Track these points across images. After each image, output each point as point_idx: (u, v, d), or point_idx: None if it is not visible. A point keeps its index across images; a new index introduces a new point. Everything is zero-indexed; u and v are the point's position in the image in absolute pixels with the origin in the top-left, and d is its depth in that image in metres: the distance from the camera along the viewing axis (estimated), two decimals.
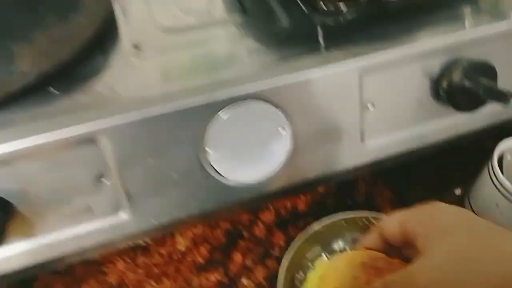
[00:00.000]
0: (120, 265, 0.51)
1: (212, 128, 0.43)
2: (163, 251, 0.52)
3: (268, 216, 0.55)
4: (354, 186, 0.58)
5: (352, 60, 0.45)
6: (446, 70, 0.48)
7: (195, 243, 0.53)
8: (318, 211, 0.53)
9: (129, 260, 0.51)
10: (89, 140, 0.39)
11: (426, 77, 0.49)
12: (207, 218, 0.50)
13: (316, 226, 0.50)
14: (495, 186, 0.50)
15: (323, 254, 0.50)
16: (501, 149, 0.52)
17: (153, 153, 0.42)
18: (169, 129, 0.41)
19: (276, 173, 0.47)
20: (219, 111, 0.42)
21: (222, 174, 0.45)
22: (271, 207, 0.56)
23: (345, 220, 0.50)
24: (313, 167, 0.49)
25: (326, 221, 0.50)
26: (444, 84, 0.48)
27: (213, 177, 0.45)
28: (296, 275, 0.48)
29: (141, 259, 0.52)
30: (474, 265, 0.30)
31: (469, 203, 0.55)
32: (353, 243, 0.50)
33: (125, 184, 0.42)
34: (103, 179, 0.42)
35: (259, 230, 0.54)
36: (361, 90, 0.46)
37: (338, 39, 0.46)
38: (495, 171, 0.50)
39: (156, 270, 0.51)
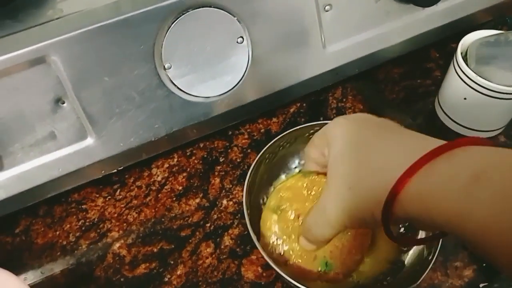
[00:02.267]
0: (99, 201, 0.51)
1: (167, 41, 0.43)
2: (140, 183, 0.52)
3: (242, 141, 0.55)
4: (325, 102, 0.58)
5: None
6: None
7: (172, 173, 0.53)
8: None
9: (108, 196, 0.51)
10: (39, 61, 0.39)
11: None
12: (178, 140, 0.50)
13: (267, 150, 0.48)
14: (461, 79, 0.50)
15: (283, 176, 0.49)
16: (465, 44, 0.52)
17: (108, 71, 0.41)
18: (119, 42, 0.41)
19: (239, 85, 0.47)
20: (171, 21, 0.42)
21: (183, 90, 0.45)
22: (245, 132, 0.56)
23: (296, 135, 0.49)
24: (277, 78, 0.49)
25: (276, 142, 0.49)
26: None
27: (175, 94, 0.45)
28: (260, 200, 0.47)
29: (119, 194, 0.52)
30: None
31: (439, 104, 0.55)
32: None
33: (85, 107, 0.42)
34: (62, 104, 0.42)
35: (235, 154, 0.54)
36: None
37: None
38: (459, 64, 0.50)
39: (135, 202, 0.51)
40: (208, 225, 0.49)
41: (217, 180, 0.52)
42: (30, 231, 0.50)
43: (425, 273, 0.40)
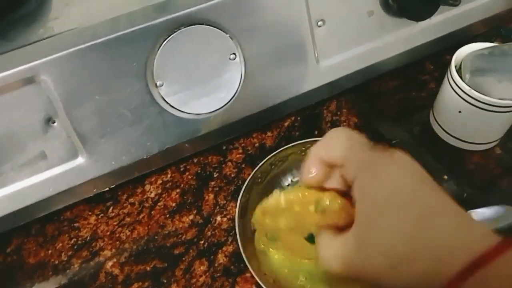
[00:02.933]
0: (92, 219, 0.50)
1: (159, 59, 0.42)
2: (133, 200, 0.52)
3: (236, 155, 0.55)
4: (320, 116, 0.58)
5: None
6: None
7: (166, 189, 0.52)
8: (286, 144, 0.52)
9: (100, 214, 0.51)
10: (29, 80, 0.39)
11: None
12: (171, 157, 0.50)
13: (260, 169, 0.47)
14: (456, 92, 0.50)
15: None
16: (459, 56, 0.52)
17: (99, 90, 0.41)
18: (110, 60, 0.41)
19: (232, 101, 0.46)
20: (163, 39, 0.42)
21: (176, 107, 0.45)
22: (239, 147, 0.55)
23: (288, 153, 0.48)
24: (270, 93, 0.48)
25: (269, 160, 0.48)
26: None
27: (168, 111, 0.44)
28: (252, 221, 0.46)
29: (112, 211, 0.51)
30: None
31: (434, 117, 0.55)
32: (298, 173, 0.48)
33: (76, 126, 0.42)
34: (52, 123, 0.41)
35: (229, 169, 0.54)
36: (308, 6, 0.46)
37: None
38: (453, 78, 0.50)
39: (128, 219, 0.50)
40: (202, 242, 0.48)
41: (211, 196, 0.52)
42: (22, 250, 0.49)
43: None
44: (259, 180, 0.47)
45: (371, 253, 0.30)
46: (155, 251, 0.48)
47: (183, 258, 0.47)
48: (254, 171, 0.46)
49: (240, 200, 0.44)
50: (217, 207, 0.51)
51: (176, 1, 0.42)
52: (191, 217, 0.50)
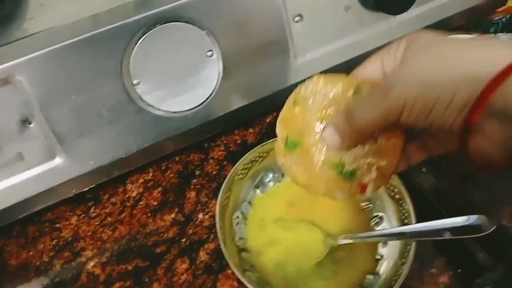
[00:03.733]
0: (73, 219, 0.50)
1: (135, 57, 0.42)
2: (115, 200, 0.51)
3: (218, 153, 0.55)
4: None
5: None
6: None
7: (147, 188, 0.52)
8: (268, 140, 0.52)
9: (82, 214, 0.51)
10: (4, 81, 0.38)
11: None
12: (151, 156, 0.49)
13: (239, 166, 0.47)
14: None
15: (257, 190, 0.49)
16: None
17: (75, 89, 0.41)
18: (86, 60, 0.40)
19: (210, 98, 0.46)
20: (138, 37, 0.41)
21: (153, 105, 0.44)
22: (221, 144, 0.55)
23: (268, 149, 0.48)
24: (249, 90, 0.48)
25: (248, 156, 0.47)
26: None
27: (145, 109, 0.44)
28: (235, 217, 0.47)
29: (94, 211, 0.51)
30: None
31: None
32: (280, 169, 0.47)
33: (53, 126, 0.41)
34: (29, 124, 0.41)
35: (211, 167, 0.54)
36: (284, 1, 0.46)
37: None
38: None
39: (109, 219, 0.50)
40: (184, 240, 0.48)
41: (193, 193, 0.52)
42: (4, 252, 0.49)
43: (400, 282, 0.40)
44: (240, 177, 0.47)
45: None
46: (137, 250, 0.48)
47: (165, 257, 0.47)
48: (234, 167, 0.46)
49: (221, 197, 0.44)
50: (199, 204, 0.51)
51: None
52: (172, 215, 0.50)
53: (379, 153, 0.33)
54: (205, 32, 0.43)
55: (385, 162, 0.34)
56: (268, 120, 0.57)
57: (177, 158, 0.54)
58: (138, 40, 0.41)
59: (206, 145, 0.55)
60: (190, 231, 0.49)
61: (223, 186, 0.45)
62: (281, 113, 0.36)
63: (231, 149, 0.55)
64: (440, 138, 0.34)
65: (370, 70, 0.34)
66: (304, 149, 0.34)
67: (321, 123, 0.34)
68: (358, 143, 0.33)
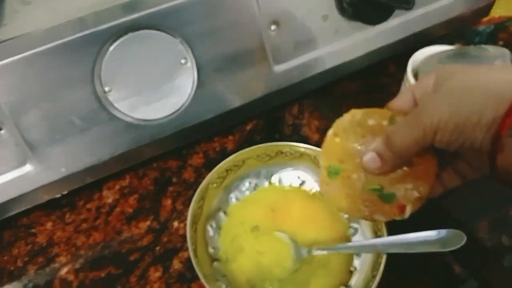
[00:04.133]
0: (49, 225, 0.50)
1: (106, 65, 0.42)
2: (90, 206, 0.51)
3: (196, 160, 0.55)
4: (282, 119, 0.57)
5: None
6: None
7: (123, 194, 0.52)
8: (247, 147, 0.52)
9: (57, 219, 0.51)
10: None
11: None
12: (125, 163, 0.49)
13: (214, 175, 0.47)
14: None
15: (233, 199, 0.49)
16: (416, 60, 0.51)
17: (47, 97, 0.41)
18: (57, 67, 0.40)
19: (185, 107, 0.46)
20: (109, 45, 0.41)
21: (126, 113, 0.44)
22: (199, 151, 0.55)
23: (244, 158, 0.48)
24: (224, 99, 0.48)
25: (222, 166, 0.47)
26: None
27: (118, 117, 0.44)
28: (208, 227, 0.46)
29: (69, 217, 0.51)
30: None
31: None
32: (257, 178, 0.49)
33: (24, 133, 0.41)
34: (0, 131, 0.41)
35: (188, 174, 0.53)
36: (260, 10, 0.45)
37: None
38: (409, 83, 0.50)
39: (85, 225, 0.50)
40: (158, 248, 0.48)
41: (169, 201, 0.52)
42: None
43: None
44: (215, 185, 0.47)
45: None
46: (111, 257, 0.48)
47: (138, 265, 0.47)
48: (209, 176, 0.46)
49: (193, 207, 0.44)
50: (175, 212, 0.51)
51: (124, 6, 0.42)
52: (148, 222, 0.50)
53: (414, 176, 0.37)
54: (178, 40, 0.43)
55: (421, 185, 0.37)
56: (248, 127, 0.57)
57: (154, 165, 0.54)
58: (110, 47, 0.41)
59: (185, 152, 0.55)
60: (165, 239, 0.49)
61: (195, 196, 0.44)
62: (323, 145, 0.40)
63: (210, 156, 0.55)
64: (473, 162, 0.37)
65: (402, 102, 0.38)
66: (345, 176, 0.38)
67: (360, 150, 0.38)
68: (397, 167, 0.36)
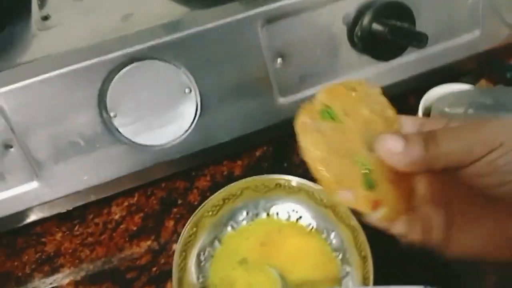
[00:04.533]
0: (58, 235, 0.53)
1: (112, 92, 0.44)
2: (98, 220, 0.53)
3: (203, 183, 0.55)
4: (291, 147, 0.57)
5: (250, 9, 0.44)
6: (359, 14, 0.46)
7: (130, 212, 0.54)
8: (254, 175, 0.52)
9: (67, 231, 0.53)
10: None
11: (339, 23, 0.47)
12: (129, 183, 0.51)
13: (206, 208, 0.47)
14: None
15: (229, 228, 0.48)
16: (428, 99, 0.49)
17: (54, 119, 0.43)
18: (65, 92, 0.42)
19: (187, 134, 0.47)
20: (116, 73, 0.43)
21: (129, 137, 0.46)
22: (207, 174, 0.56)
23: (242, 188, 0.48)
24: (228, 127, 0.48)
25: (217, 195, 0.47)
26: (357, 29, 0.46)
27: (121, 141, 0.46)
28: (201, 254, 0.46)
29: (78, 230, 0.53)
30: None
31: None
32: (255, 208, 0.49)
33: (31, 152, 0.44)
34: (10, 148, 0.44)
35: (193, 197, 0.54)
36: (265, 42, 0.45)
37: None
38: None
39: (90, 239, 0.52)
40: (154, 269, 0.49)
41: (171, 223, 0.53)
42: None
43: None
44: (210, 214, 0.48)
45: None
46: (109, 274, 0.50)
47: (134, 284, 0.49)
48: (203, 204, 0.47)
49: (183, 236, 0.45)
50: (175, 235, 0.52)
51: (130, 37, 0.43)
52: (148, 242, 0.52)
53: (398, 187, 0.31)
54: (181, 70, 0.44)
55: (399, 198, 0.31)
56: (257, 154, 0.57)
57: (163, 185, 0.56)
58: (115, 75, 0.43)
59: (193, 173, 0.56)
60: (162, 261, 0.50)
61: (187, 224, 0.45)
62: (331, 85, 0.33)
63: (216, 180, 0.56)
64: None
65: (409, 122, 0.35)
66: (340, 128, 0.32)
67: (373, 119, 0.32)
68: (413, 167, 0.30)
